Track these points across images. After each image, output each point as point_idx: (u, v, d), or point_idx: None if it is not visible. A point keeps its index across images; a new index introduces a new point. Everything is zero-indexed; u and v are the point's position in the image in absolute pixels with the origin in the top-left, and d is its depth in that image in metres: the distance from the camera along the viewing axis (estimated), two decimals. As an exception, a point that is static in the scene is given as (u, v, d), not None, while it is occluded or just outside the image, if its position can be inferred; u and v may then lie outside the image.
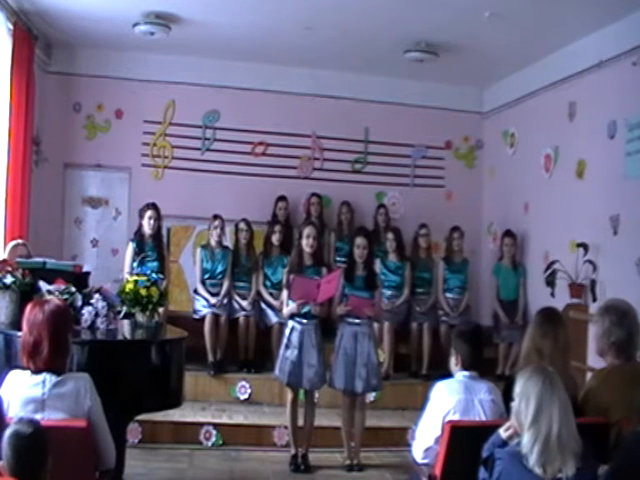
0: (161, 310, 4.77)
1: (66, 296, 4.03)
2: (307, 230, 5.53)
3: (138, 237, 6.65)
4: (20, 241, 5.87)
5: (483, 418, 3.41)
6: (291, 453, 5.50)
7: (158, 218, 6.66)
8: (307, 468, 5.39)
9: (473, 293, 7.84)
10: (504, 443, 2.77)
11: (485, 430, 2.96)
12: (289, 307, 5.41)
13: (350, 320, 5.44)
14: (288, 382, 5.40)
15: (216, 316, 6.82)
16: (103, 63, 7.83)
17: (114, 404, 3.23)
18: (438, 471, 3.28)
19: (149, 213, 6.62)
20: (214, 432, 5.86)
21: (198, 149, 8.21)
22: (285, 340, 5.43)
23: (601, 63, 6.22)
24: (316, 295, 5.27)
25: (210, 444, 5.83)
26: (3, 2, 6.14)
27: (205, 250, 7.05)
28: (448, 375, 3.62)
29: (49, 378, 2.93)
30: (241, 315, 6.98)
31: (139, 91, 7.96)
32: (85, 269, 5.00)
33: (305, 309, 5.38)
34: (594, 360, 5.69)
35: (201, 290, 6.97)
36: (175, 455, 5.57)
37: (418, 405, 4.12)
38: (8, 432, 2.43)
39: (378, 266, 6.87)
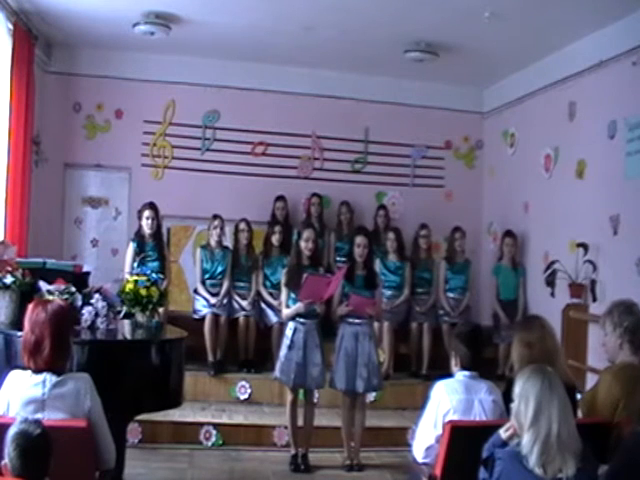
0: (161, 310, 4.77)
1: (66, 296, 4.02)
2: (306, 233, 5.53)
3: (138, 237, 6.65)
4: (2, 240, 5.87)
5: (483, 418, 3.41)
6: (291, 453, 5.50)
7: (156, 217, 6.66)
8: (307, 468, 5.39)
9: (473, 293, 7.83)
10: (504, 443, 2.78)
11: (485, 430, 2.96)
12: (295, 307, 5.39)
13: (351, 320, 5.44)
14: (294, 385, 5.39)
15: (216, 316, 6.82)
16: (103, 63, 7.83)
17: (114, 404, 3.23)
18: (438, 471, 3.29)
19: (147, 213, 6.63)
20: (214, 432, 5.86)
21: (198, 149, 8.21)
22: (288, 342, 5.41)
23: (601, 63, 6.23)
24: (324, 293, 5.28)
25: (210, 444, 5.83)
26: (3, 2, 6.14)
27: (205, 250, 7.05)
28: (448, 375, 3.63)
29: (49, 378, 2.93)
30: (241, 315, 6.98)
31: (139, 91, 7.97)
32: (85, 269, 5.01)
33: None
34: (594, 360, 5.71)
35: (201, 290, 6.97)
36: (175, 455, 5.57)
37: (418, 405, 4.13)
38: (13, 431, 2.43)
39: (378, 266, 6.89)
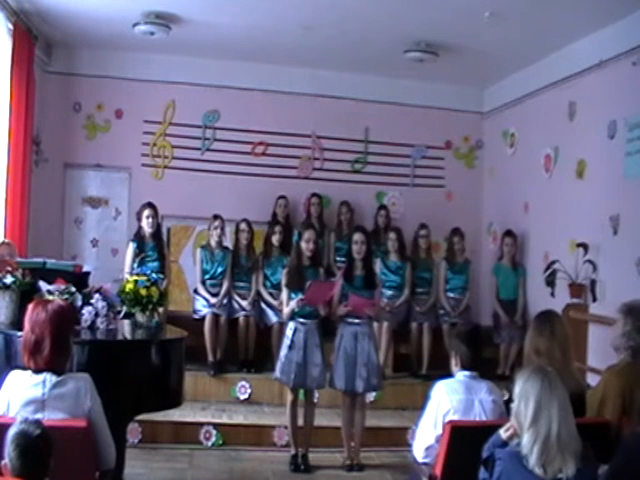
0: (161, 310, 4.77)
1: (66, 296, 4.02)
2: (307, 234, 5.54)
3: (138, 238, 6.65)
4: (6, 240, 5.88)
5: (483, 418, 3.41)
6: (291, 453, 5.50)
7: (156, 216, 6.67)
8: (307, 468, 5.39)
9: (473, 293, 7.83)
10: (504, 443, 2.78)
11: (485, 430, 2.96)
12: (290, 306, 5.41)
13: (350, 320, 5.43)
14: (294, 385, 5.40)
15: (216, 316, 6.82)
16: (103, 63, 7.84)
17: (114, 404, 3.22)
18: (438, 471, 3.29)
19: (146, 212, 6.63)
20: (214, 432, 5.86)
21: (198, 149, 8.21)
22: (288, 342, 5.41)
23: (601, 63, 6.22)
24: (327, 297, 5.30)
25: (210, 444, 5.83)
26: (3, 2, 6.14)
27: (205, 250, 7.04)
28: (448, 375, 3.63)
29: (49, 378, 2.93)
30: (241, 315, 6.98)
31: (139, 91, 7.97)
32: (85, 269, 5.00)
33: (307, 309, 5.39)
34: (594, 360, 5.71)
35: (201, 290, 6.97)
36: (175, 455, 5.57)
37: (418, 405, 4.14)
38: (13, 431, 2.43)
39: (378, 266, 6.91)
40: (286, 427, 5.65)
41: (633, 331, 3.43)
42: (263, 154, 8.32)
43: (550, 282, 6.64)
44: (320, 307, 5.37)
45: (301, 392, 5.54)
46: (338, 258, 7.72)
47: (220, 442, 5.84)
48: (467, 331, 3.73)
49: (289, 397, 5.51)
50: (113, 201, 8.06)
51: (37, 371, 2.95)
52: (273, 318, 6.95)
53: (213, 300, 6.86)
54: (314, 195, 8.04)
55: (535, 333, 3.56)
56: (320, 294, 5.32)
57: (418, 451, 3.49)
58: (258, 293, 7.12)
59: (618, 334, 3.50)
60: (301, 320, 5.42)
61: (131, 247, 6.62)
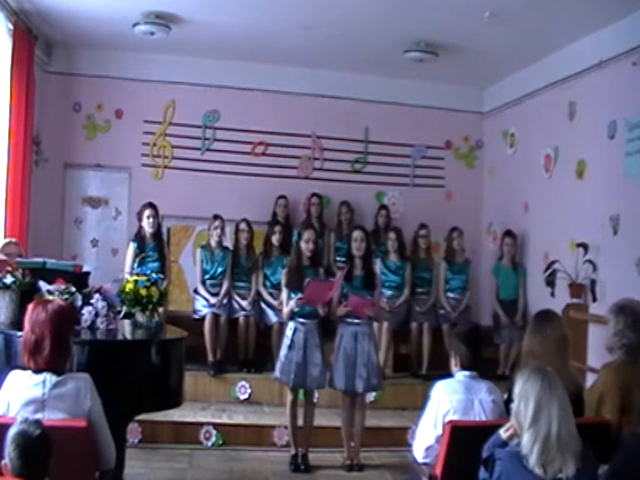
0: (161, 310, 4.77)
1: (66, 296, 4.02)
2: (307, 234, 5.54)
3: (139, 238, 6.66)
4: (13, 240, 5.87)
5: (483, 418, 3.41)
6: (291, 453, 5.50)
7: (156, 216, 6.68)
8: (307, 468, 5.39)
9: (473, 293, 7.83)
10: (504, 443, 2.78)
11: (485, 430, 2.97)
12: (290, 305, 5.41)
13: (350, 320, 5.43)
14: (294, 385, 5.40)
15: (216, 316, 6.82)
16: (103, 63, 7.84)
17: (114, 404, 3.22)
18: (438, 471, 3.29)
19: (147, 212, 6.64)
20: (214, 432, 5.86)
21: (198, 149, 8.21)
22: (288, 342, 5.42)
23: (601, 63, 6.22)
24: (326, 297, 5.30)
25: (210, 444, 5.83)
26: (3, 2, 6.14)
27: (205, 251, 7.05)
28: (448, 375, 3.63)
29: (49, 378, 2.93)
30: (241, 315, 6.98)
31: (139, 91, 7.97)
32: (85, 269, 5.00)
33: (307, 309, 5.39)
34: (594, 360, 5.71)
35: (201, 290, 6.97)
36: (175, 455, 5.57)
37: (418, 405, 4.14)
38: (13, 432, 2.43)
39: (379, 266, 6.91)
40: (286, 427, 5.65)
41: (626, 329, 3.43)
42: (263, 154, 8.32)
43: (550, 282, 6.64)
44: (319, 307, 5.37)
45: (301, 392, 5.54)
46: (338, 258, 7.72)
47: (220, 442, 5.84)
48: (467, 331, 3.73)
49: (289, 397, 5.51)
50: (113, 201, 8.06)
51: (37, 371, 2.95)
52: (273, 318, 6.95)
53: (213, 300, 6.86)
54: (314, 195, 8.04)
55: (532, 334, 3.56)
56: (319, 294, 5.31)
57: (418, 451, 3.48)
58: (258, 293, 7.12)
59: (611, 334, 3.49)
60: (301, 320, 5.42)
61: (132, 247, 6.62)
